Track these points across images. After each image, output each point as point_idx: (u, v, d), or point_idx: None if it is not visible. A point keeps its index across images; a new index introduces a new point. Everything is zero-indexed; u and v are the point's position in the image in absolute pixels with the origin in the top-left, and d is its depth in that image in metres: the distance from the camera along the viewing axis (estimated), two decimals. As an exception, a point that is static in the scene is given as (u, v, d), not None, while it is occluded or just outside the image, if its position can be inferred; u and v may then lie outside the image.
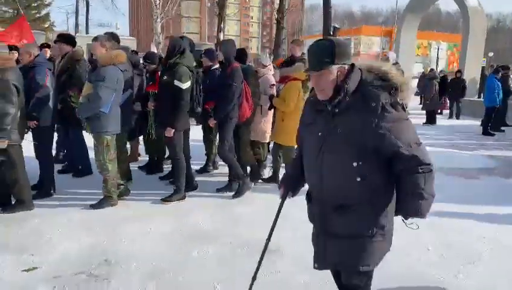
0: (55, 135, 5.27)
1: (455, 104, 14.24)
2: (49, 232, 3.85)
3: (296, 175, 2.28)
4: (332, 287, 2.34)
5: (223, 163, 5.28)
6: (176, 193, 4.76)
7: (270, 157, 5.95)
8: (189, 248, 3.61)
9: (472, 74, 16.32)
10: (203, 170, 6.07)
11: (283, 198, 2.32)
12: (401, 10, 23.83)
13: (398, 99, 1.92)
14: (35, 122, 4.52)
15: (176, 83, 4.40)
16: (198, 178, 5.51)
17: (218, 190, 5.13)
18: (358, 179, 1.92)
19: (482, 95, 15.96)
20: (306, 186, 2.25)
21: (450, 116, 14.26)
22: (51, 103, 4.62)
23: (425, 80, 14.11)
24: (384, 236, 2.03)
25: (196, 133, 5.98)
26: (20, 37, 9.41)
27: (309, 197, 2.19)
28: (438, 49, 29.89)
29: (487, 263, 3.49)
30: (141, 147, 6.52)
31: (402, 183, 1.98)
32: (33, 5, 33.22)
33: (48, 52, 6.56)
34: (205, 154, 6.15)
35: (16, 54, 5.76)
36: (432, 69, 16.58)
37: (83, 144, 5.55)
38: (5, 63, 4.12)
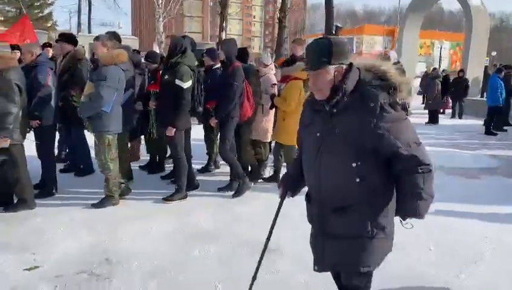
0: (57, 134, 5.28)
1: (458, 103, 14.20)
2: (51, 231, 3.87)
3: (296, 175, 2.27)
4: (333, 286, 2.34)
5: (224, 162, 5.29)
6: (177, 192, 4.76)
7: (271, 156, 5.95)
8: (191, 247, 3.61)
9: (475, 73, 16.27)
10: (205, 170, 6.07)
11: (282, 197, 2.32)
12: (404, 9, 23.77)
13: (397, 99, 1.91)
14: (37, 121, 4.53)
15: (177, 82, 4.40)
16: (199, 177, 5.51)
17: (219, 189, 5.14)
18: (358, 180, 1.91)
19: (484, 94, 15.92)
20: (306, 187, 2.25)
21: (453, 116, 14.22)
22: (52, 102, 4.63)
23: (428, 79, 14.07)
24: (384, 237, 2.02)
25: (198, 132, 5.98)
26: (23, 36, 9.44)
27: (308, 197, 2.18)
28: (441, 48, 29.73)
29: (489, 263, 3.48)
30: (142, 147, 6.52)
31: (401, 183, 1.96)
32: (36, 4, 33.30)
33: (50, 52, 6.58)
34: (206, 153, 6.15)
35: (18, 54, 5.77)
36: (434, 68, 16.54)
37: (84, 143, 5.56)
38: (7, 62, 4.13)
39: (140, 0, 71.78)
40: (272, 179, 5.50)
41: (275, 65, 6.02)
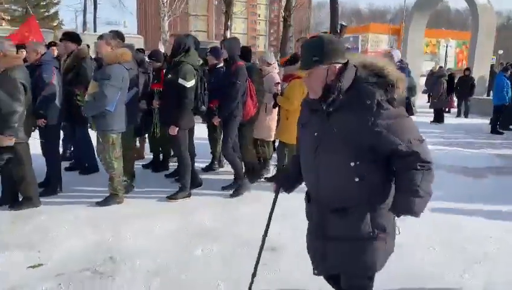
0: (61, 132, 5.30)
1: (463, 102, 14.11)
2: (55, 229, 3.89)
3: (293, 172, 2.26)
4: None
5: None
6: (181, 190, 4.77)
7: (275, 155, 5.94)
8: (194, 245, 3.62)
9: (481, 72, 16.15)
10: (209, 168, 6.08)
11: (276, 193, 2.32)
12: (409, 8, 23.66)
13: (395, 96, 1.88)
14: (43, 120, 4.55)
15: (180, 81, 4.41)
16: (203, 176, 5.52)
17: (223, 188, 5.14)
18: (357, 179, 1.88)
19: (491, 93, 15.81)
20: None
21: (458, 115, 14.14)
22: (57, 101, 4.65)
23: (433, 78, 14.00)
24: (386, 238, 1.98)
25: (202, 131, 5.99)
26: (30, 36, 9.49)
27: (308, 197, 2.16)
28: (447, 47, 29.57)
29: (494, 263, 3.45)
30: (146, 145, 6.54)
31: (398, 179, 1.93)
32: (42, 3, 33.51)
33: (56, 51, 6.61)
34: (211, 152, 6.16)
35: (24, 53, 5.80)
36: (440, 67, 16.45)
37: (89, 142, 5.58)
38: (12, 61, 4.15)
39: (146, -1, 71.96)
40: (275, 178, 5.49)
41: (278, 64, 6.01)
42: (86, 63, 5.29)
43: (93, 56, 5.98)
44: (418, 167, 1.85)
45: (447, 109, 14.12)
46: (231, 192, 5.00)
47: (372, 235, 1.94)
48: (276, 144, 5.91)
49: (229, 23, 19.94)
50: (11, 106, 3.98)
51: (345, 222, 1.95)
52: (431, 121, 12.32)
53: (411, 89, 7.32)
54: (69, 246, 3.56)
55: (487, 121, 11.52)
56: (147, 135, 6.21)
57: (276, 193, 2.33)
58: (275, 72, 5.64)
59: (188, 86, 4.44)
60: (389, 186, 1.96)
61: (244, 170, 5.16)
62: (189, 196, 4.82)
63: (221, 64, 5.29)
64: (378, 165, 1.91)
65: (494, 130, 10.53)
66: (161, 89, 5.03)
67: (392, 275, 2.92)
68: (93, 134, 4.88)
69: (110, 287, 2.97)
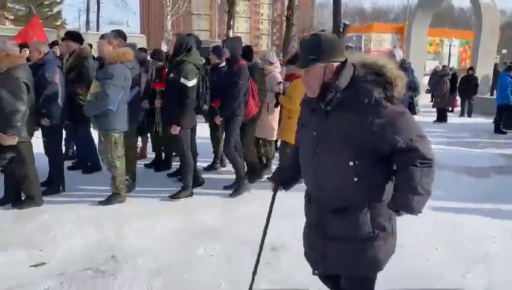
0: (63, 131, 5.31)
1: (467, 101, 14.06)
2: (58, 228, 3.90)
3: (290, 169, 2.26)
4: (337, 285, 2.32)
5: (231, 161, 5.28)
6: (183, 190, 4.78)
7: (277, 155, 5.94)
8: (196, 245, 3.62)
9: (485, 71, 16.09)
10: (211, 168, 6.08)
11: (274, 191, 2.32)
12: (413, 7, 23.58)
13: (394, 94, 1.86)
14: (47, 119, 4.55)
15: (182, 80, 4.41)
16: (206, 175, 5.52)
17: (225, 188, 5.14)
18: (356, 179, 1.86)
19: (494, 92, 15.75)
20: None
21: (462, 114, 14.09)
22: (60, 100, 4.66)
23: (437, 77, 13.95)
24: (386, 237, 1.96)
25: (204, 130, 6.00)
26: (33, 35, 9.52)
27: (308, 197, 2.15)
28: (450, 46, 29.44)
29: (496, 262, 3.44)
30: (149, 145, 6.55)
31: (398, 176, 1.89)
32: (45, 3, 33.56)
33: (58, 50, 6.63)
34: (213, 151, 6.16)
35: (27, 52, 5.82)
36: (444, 66, 16.38)
37: (91, 141, 5.59)
38: (15, 60, 4.16)
39: (149, -1, 72.03)
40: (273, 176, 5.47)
41: (280, 63, 6.01)
42: (88, 63, 5.30)
43: (95, 55, 5.99)
44: (418, 164, 1.81)
45: (450, 109, 14.07)
46: (230, 192, 5.00)
47: (372, 235, 1.92)
48: (279, 143, 5.92)
49: (231, 22, 19.97)
50: (14, 105, 3.99)
51: (345, 222, 1.94)
52: (434, 121, 12.28)
53: (414, 89, 7.32)
54: (72, 245, 3.57)
55: (490, 120, 11.47)
56: (149, 134, 6.21)
57: (274, 191, 2.33)
58: (277, 71, 5.64)
59: (190, 86, 4.44)
60: (389, 186, 1.93)
61: (246, 170, 5.16)
62: (191, 195, 4.83)
63: (223, 64, 5.30)
64: (377, 164, 1.89)
65: (497, 130, 10.48)
66: (163, 89, 5.03)
67: (395, 274, 2.91)
68: (95, 133, 4.89)
69: (112, 286, 2.97)
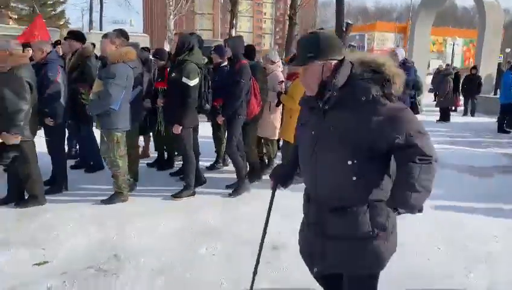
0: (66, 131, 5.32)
1: (470, 101, 14.01)
2: (61, 227, 3.91)
3: (288, 167, 2.26)
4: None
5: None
6: (185, 189, 4.78)
7: (279, 154, 5.94)
8: (198, 244, 3.63)
9: (488, 71, 16.03)
10: (213, 167, 6.08)
11: (273, 190, 2.32)
12: (416, 5, 23.52)
13: (392, 91, 1.85)
14: (50, 119, 4.56)
15: (184, 80, 4.41)
16: (208, 175, 5.53)
17: (228, 187, 5.14)
18: (354, 178, 1.85)
19: (498, 91, 15.69)
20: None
21: (465, 114, 14.05)
22: (62, 100, 4.67)
23: (440, 76, 13.91)
24: (386, 237, 1.94)
25: (206, 130, 6.00)
26: (37, 34, 9.56)
27: (307, 196, 2.14)
28: (454, 45, 29.36)
29: (499, 262, 3.43)
30: (151, 144, 6.56)
31: (397, 172, 1.85)
32: (49, 2, 33.66)
33: (61, 50, 6.64)
34: (215, 151, 6.17)
35: (30, 51, 5.84)
36: (447, 65, 16.34)
37: (93, 140, 5.61)
38: (18, 60, 4.18)
39: (152, -2, 72.09)
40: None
41: (282, 62, 6.00)
42: (90, 62, 5.32)
43: (98, 54, 6.01)
44: (417, 161, 1.76)
45: (453, 108, 14.03)
46: (230, 191, 5.00)
47: (372, 235, 1.91)
48: (281, 142, 5.91)
49: (234, 21, 19.95)
50: (17, 104, 4.01)
51: (344, 221, 1.92)
52: (437, 120, 12.25)
53: (417, 88, 7.30)
54: (74, 244, 3.58)
55: (494, 119, 11.43)
56: (151, 134, 6.22)
57: (274, 189, 2.33)
58: (279, 70, 5.64)
59: (192, 85, 4.44)
60: (388, 185, 1.90)
61: (248, 170, 5.16)
62: (193, 194, 4.83)
63: (226, 63, 5.30)
64: (376, 163, 1.88)
65: (500, 129, 10.45)
66: (165, 88, 5.04)
67: (394, 274, 2.91)
68: (97, 132, 4.90)
69: (115, 285, 2.98)
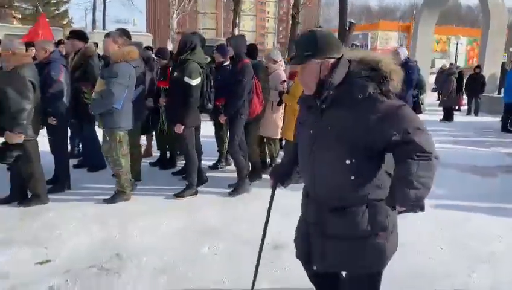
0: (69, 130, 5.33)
1: (473, 100, 13.96)
2: (63, 226, 3.92)
3: (288, 166, 2.26)
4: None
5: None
6: (187, 188, 4.79)
7: (282, 153, 5.94)
8: (200, 243, 3.63)
9: (492, 70, 15.98)
10: (216, 166, 6.08)
11: (273, 189, 2.32)
12: (419, 5, 23.43)
13: (390, 88, 1.84)
14: (53, 118, 4.57)
15: (186, 79, 4.41)
16: (210, 174, 5.53)
17: (230, 186, 5.14)
18: (353, 178, 1.84)
19: (502, 91, 15.62)
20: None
21: (468, 113, 14.00)
22: (65, 99, 4.68)
23: (443, 75, 13.87)
24: (386, 236, 1.93)
25: (209, 129, 6.01)
26: (41, 34, 9.62)
27: (306, 193, 2.13)
28: (457, 44, 29.23)
29: (502, 262, 3.41)
30: (154, 143, 6.57)
31: (395, 170, 1.82)
32: (52, 2, 33.76)
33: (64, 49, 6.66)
34: (217, 150, 6.17)
35: (33, 51, 5.86)
36: (451, 64, 16.28)
37: (95, 139, 5.62)
38: (21, 59, 4.19)
39: (155, -3, 72.17)
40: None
41: (284, 61, 6.00)
42: (93, 61, 5.33)
43: (101, 53, 6.02)
44: (415, 157, 1.72)
45: (456, 107, 13.98)
46: (230, 190, 5.00)
47: (371, 234, 1.90)
48: (283, 142, 5.91)
49: (237, 20, 19.95)
50: (20, 103, 4.02)
51: (344, 221, 1.92)
52: (440, 120, 12.21)
53: (420, 87, 7.28)
54: (77, 243, 3.59)
55: (497, 119, 11.39)
56: (154, 133, 6.23)
57: (273, 188, 2.33)
58: (281, 69, 5.63)
59: (194, 84, 4.44)
60: (387, 184, 1.88)
61: (249, 169, 5.16)
62: (196, 193, 4.84)
63: (228, 62, 5.29)
64: (375, 162, 1.87)
65: (504, 129, 10.40)
66: (167, 87, 5.04)
67: (396, 274, 2.90)
68: (100, 131, 4.92)
69: (117, 284, 2.99)
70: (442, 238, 3.80)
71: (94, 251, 3.45)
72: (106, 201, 4.53)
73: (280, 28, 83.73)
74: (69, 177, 4.94)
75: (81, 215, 4.18)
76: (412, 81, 6.19)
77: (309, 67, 1.88)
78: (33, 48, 6.36)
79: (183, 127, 4.53)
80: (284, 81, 5.49)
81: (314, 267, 2.09)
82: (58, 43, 7.57)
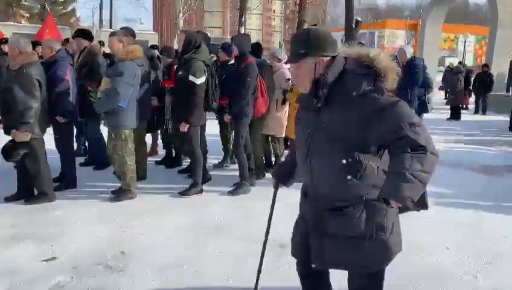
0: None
1: (481, 99, 13.84)
2: (69, 223, 3.95)
3: (290, 165, 2.25)
4: (342, 280, 2.30)
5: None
6: (193, 186, 4.80)
7: (286, 152, 5.92)
8: (204, 242, 3.64)
9: (500, 68, 15.83)
10: (221, 165, 6.09)
11: (275, 188, 2.32)
12: (427, 3, 23.26)
13: (385, 85, 1.83)
14: (60, 116, 4.59)
15: (191, 78, 4.42)
16: (216, 172, 5.54)
17: (235, 185, 5.14)
18: (349, 177, 1.83)
19: (510, 89, 15.49)
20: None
21: (476, 112, 13.89)
22: (71, 97, 4.71)
23: (451, 74, 13.77)
24: (386, 236, 1.91)
25: (214, 128, 6.01)
26: (48, 33, 9.70)
27: (304, 192, 2.13)
28: (465, 42, 28.95)
29: (508, 263, 3.39)
30: (160, 142, 6.59)
31: (389, 165, 1.80)
32: (59, 0, 33.96)
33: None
34: (223, 149, 6.17)
35: (40, 49, 5.90)
36: (459, 63, 16.15)
37: (101, 138, 5.65)
38: (28, 58, 4.22)
39: (162, -4, 72.27)
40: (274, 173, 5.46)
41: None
42: (98, 60, 5.36)
43: (107, 52, 6.04)
44: (409, 150, 1.69)
45: (464, 106, 13.88)
46: (230, 189, 5.00)
47: (370, 235, 1.89)
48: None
49: (243, 19, 19.93)
50: (27, 102, 4.05)
51: (342, 221, 1.91)
52: (447, 118, 12.13)
53: (427, 86, 7.21)
54: (82, 240, 3.62)
55: (505, 118, 11.28)
56: (159, 131, 6.25)
57: (276, 188, 2.33)
58: (286, 68, 5.62)
59: (198, 83, 4.45)
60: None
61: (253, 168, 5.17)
62: (201, 192, 4.85)
63: (232, 61, 5.29)
64: (371, 161, 1.85)
65: (512, 128, 10.32)
66: (172, 86, 5.05)
67: (404, 274, 2.90)
68: (105, 130, 4.94)
69: (121, 281, 3.00)
70: (448, 238, 3.77)
71: (99, 248, 3.47)
72: (112, 199, 4.55)
73: (287, 26, 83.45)
74: (75, 176, 4.97)
75: (87, 213, 4.21)
76: (417, 80, 6.14)
77: (304, 65, 1.88)
78: (40, 46, 6.41)
79: (188, 125, 4.54)
80: (289, 79, 5.47)
81: (313, 265, 2.08)
82: (66, 42, 7.61)
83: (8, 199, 4.43)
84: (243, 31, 18.68)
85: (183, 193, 4.76)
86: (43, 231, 3.78)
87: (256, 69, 4.79)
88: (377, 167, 1.87)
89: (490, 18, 17.82)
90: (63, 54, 4.85)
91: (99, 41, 9.53)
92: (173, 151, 6.18)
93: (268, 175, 5.44)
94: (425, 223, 3.82)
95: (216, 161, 6.11)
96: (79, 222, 4.00)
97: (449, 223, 4.08)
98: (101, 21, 27.51)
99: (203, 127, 5.01)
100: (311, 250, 2.05)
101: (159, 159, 6.23)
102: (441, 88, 16.70)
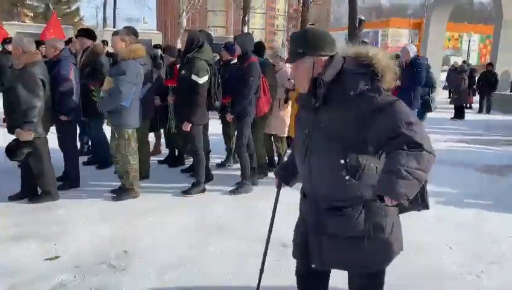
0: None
1: (485, 98, 13.78)
2: (72, 222, 3.96)
3: (293, 165, 2.23)
4: (345, 280, 2.30)
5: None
6: (195, 186, 4.80)
7: (289, 151, 5.91)
8: (207, 241, 3.64)
9: (504, 67, 15.73)
10: (224, 164, 6.09)
11: (278, 188, 2.32)
12: (431, 1, 23.18)
13: (383, 84, 1.82)
14: (64, 115, 4.60)
15: (193, 77, 4.42)
16: (218, 172, 5.54)
17: (237, 184, 5.14)
18: (347, 177, 1.82)
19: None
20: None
21: (480, 111, 13.83)
22: (74, 97, 4.72)
23: (455, 73, 13.72)
24: (385, 237, 1.91)
25: (217, 127, 6.01)
26: (52, 32, 9.73)
27: (303, 193, 2.12)
28: (469, 41, 28.85)
29: (511, 263, 3.36)
30: (163, 141, 6.60)
31: (385, 162, 1.78)
32: (63, 0, 34.08)
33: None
34: (225, 149, 6.17)
35: (44, 49, 5.92)
36: (464, 62, 16.09)
37: (104, 137, 5.66)
38: (32, 57, 4.24)
39: (165, -5, 72.32)
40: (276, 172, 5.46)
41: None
42: (101, 59, 5.37)
43: (110, 51, 6.05)
44: (404, 148, 1.68)
45: (468, 105, 13.83)
46: (231, 189, 5.00)
47: (369, 235, 1.88)
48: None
49: (246, 18, 19.94)
50: (31, 101, 4.07)
51: (341, 221, 1.90)
52: (451, 118, 12.09)
53: (431, 85, 7.19)
54: (85, 239, 3.63)
55: (510, 117, 11.23)
56: (162, 131, 6.26)
57: (278, 188, 2.33)
58: (288, 67, 5.61)
59: (201, 82, 4.45)
60: None
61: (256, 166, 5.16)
62: (203, 191, 4.85)
63: (235, 61, 5.28)
64: (369, 161, 1.84)
65: (516, 127, 10.26)
66: (175, 85, 5.06)
67: (407, 273, 2.89)
68: (108, 129, 4.95)
69: (124, 280, 3.01)
70: (451, 238, 3.76)
71: (102, 247, 3.48)
72: (115, 198, 4.57)
73: (290, 26, 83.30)
74: (78, 175, 4.99)
75: (90, 212, 4.22)
76: (421, 79, 6.11)
77: (302, 65, 1.87)
78: (43, 46, 6.43)
79: (190, 125, 4.54)
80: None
81: (313, 266, 2.08)
82: (69, 42, 7.63)
83: (11, 198, 4.45)
84: (246, 30, 18.68)
85: (186, 192, 4.76)
86: (46, 230, 3.80)
87: (258, 68, 4.78)
88: (376, 167, 1.86)
89: (495, 17, 17.71)
90: (67, 54, 4.86)
91: (103, 41, 9.56)
92: (176, 150, 6.19)
93: (270, 174, 5.44)
94: (426, 223, 3.80)
95: (219, 160, 6.11)
96: (82, 221, 4.01)
97: (451, 223, 4.07)
98: (104, 20, 27.59)
99: (205, 127, 5.01)
100: (311, 250, 2.05)
101: (161, 158, 6.24)
102: (444, 87, 16.64)
